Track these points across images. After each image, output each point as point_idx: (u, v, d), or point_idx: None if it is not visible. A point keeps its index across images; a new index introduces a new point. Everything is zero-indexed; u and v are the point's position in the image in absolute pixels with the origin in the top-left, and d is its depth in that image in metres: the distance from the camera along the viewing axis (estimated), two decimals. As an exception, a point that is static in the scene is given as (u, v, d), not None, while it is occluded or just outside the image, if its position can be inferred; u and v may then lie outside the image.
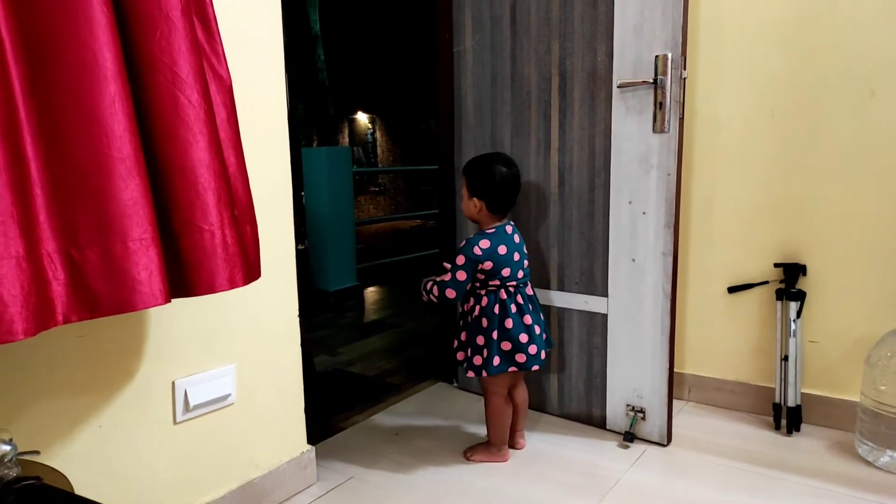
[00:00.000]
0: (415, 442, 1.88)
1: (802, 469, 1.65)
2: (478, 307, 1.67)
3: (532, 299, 1.70)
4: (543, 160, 1.93)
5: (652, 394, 1.80)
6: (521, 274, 1.67)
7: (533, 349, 1.64)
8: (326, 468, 1.71)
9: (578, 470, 1.68)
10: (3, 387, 1.03)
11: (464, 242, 1.66)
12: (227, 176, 1.04)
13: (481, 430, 1.87)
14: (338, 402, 2.22)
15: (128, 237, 0.86)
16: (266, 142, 1.45)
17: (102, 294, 0.86)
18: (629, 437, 1.81)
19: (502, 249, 1.63)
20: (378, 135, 13.79)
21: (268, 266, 1.39)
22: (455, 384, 2.33)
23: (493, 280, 1.65)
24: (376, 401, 2.21)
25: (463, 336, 1.72)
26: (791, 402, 1.86)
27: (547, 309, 1.97)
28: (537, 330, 1.67)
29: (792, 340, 1.86)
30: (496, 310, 1.64)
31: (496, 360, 1.63)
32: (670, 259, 1.71)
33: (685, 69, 1.65)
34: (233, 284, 1.01)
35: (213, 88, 1.05)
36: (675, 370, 1.94)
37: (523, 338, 1.63)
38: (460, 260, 1.64)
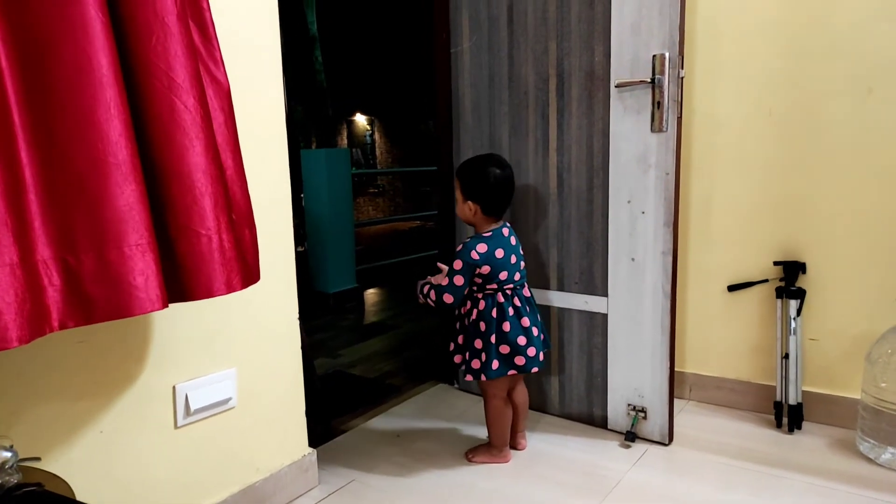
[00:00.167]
0: (416, 444, 1.88)
1: (804, 467, 1.65)
2: (475, 311, 1.66)
3: (529, 301, 1.70)
4: (542, 160, 1.93)
5: (653, 393, 1.79)
6: (517, 276, 1.67)
7: (531, 351, 1.64)
8: (328, 471, 1.71)
9: (580, 470, 1.68)
10: (2, 392, 1.03)
11: (460, 247, 1.65)
12: (224, 180, 1.04)
13: (482, 432, 1.87)
14: (338, 404, 2.22)
15: (124, 243, 0.86)
16: (265, 144, 1.45)
17: (99, 300, 0.86)
18: (630, 436, 1.81)
19: (499, 253, 1.63)
20: (377, 136, 13.78)
21: (267, 268, 1.39)
22: (455, 385, 2.33)
23: (490, 284, 1.64)
24: (377, 403, 2.21)
25: (460, 339, 1.72)
26: (792, 400, 1.86)
27: (547, 309, 1.97)
28: (535, 332, 1.66)
29: (792, 338, 1.86)
30: (494, 313, 1.63)
31: (495, 364, 1.63)
32: (670, 258, 1.71)
33: (683, 68, 1.65)
34: (230, 289, 1.01)
35: (210, 93, 1.06)
36: (676, 369, 1.94)
37: (521, 340, 1.63)
38: (457, 265, 1.62)
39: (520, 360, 1.63)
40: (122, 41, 0.91)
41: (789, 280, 1.88)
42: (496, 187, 1.64)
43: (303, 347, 1.60)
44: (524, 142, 1.97)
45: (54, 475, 0.91)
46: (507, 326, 1.62)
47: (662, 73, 1.65)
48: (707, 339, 2.09)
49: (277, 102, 1.47)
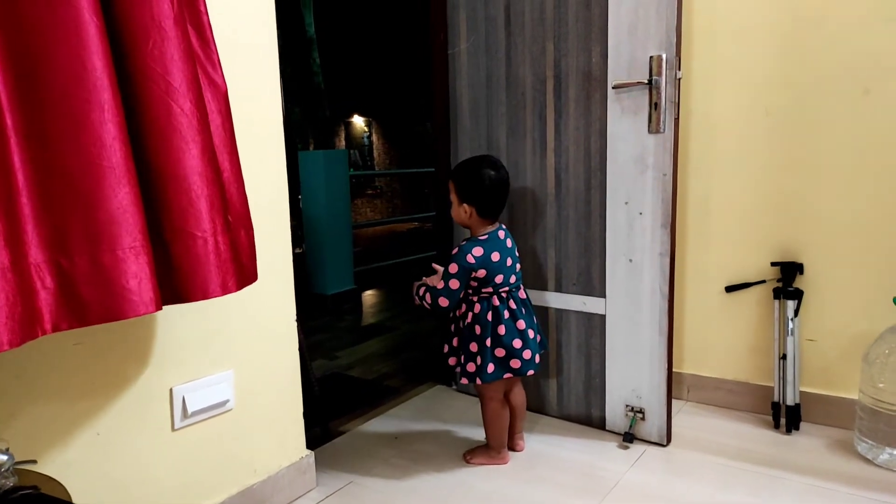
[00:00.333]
0: (414, 445, 1.87)
1: (802, 467, 1.65)
2: (470, 314, 1.66)
3: (525, 303, 1.70)
4: (539, 161, 1.93)
5: (651, 394, 1.80)
6: (513, 279, 1.66)
7: (527, 354, 1.64)
8: (326, 473, 1.70)
9: (578, 471, 1.68)
10: (-1, 395, 1.02)
11: (456, 250, 1.64)
12: (221, 182, 1.04)
13: (480, 433, 1.86)
14: (336, 406, 2.22)
15: (117, 245, 0.87)
16: (262, 146, 1.45)
17: (92, 302, 0.86)
18: (629, 437, 1.81)
19: (495, 256, 1.62)
20: (374, 138, 13.79)
21: (265, 270, 1.39)
22: (453, 387, 2.32)
23: (486, 287, 1.64)
24: (375, 405, 2.21)
25: (455, 342, 1.71)
26: (790, 401, 1.86)
27: (545, 311, 1.97)
28: (531, 334, 1.66)
29: (790, 339, 1.86)
30: (489, 317, 1.63)
31: (490, 368, 1.62)
32: (667, 259, 1.71)
33: (680, 69, 1.65)
34: (225, 290, 1.02)
35: (208, 96, 1.06)
36: (674, 370, 1.95)
37: (517, 343, 1.62)
38: (453, 268, 1.61)
39: (515, 364, 1.63)
40: (119, 45, 0.91)
41: (787, 281, 1.89)
42: (491, 189, 1.63)
43: (301, 349, 1.60)
44: (522, 143, 1.97)
45: (50, 478, 0.90)
46: (502, 330, 1.62)
47: (659, 74, 1.65)
48: (705, 340, 2.09)
49: (275, 104, 1.47)
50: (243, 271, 1.09)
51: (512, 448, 1.80)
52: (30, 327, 0.81)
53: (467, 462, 1.75)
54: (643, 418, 1.82)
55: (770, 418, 1.93)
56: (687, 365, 2.13)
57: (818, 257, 1.87)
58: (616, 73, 1.74)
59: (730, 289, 2.01)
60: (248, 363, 1.45)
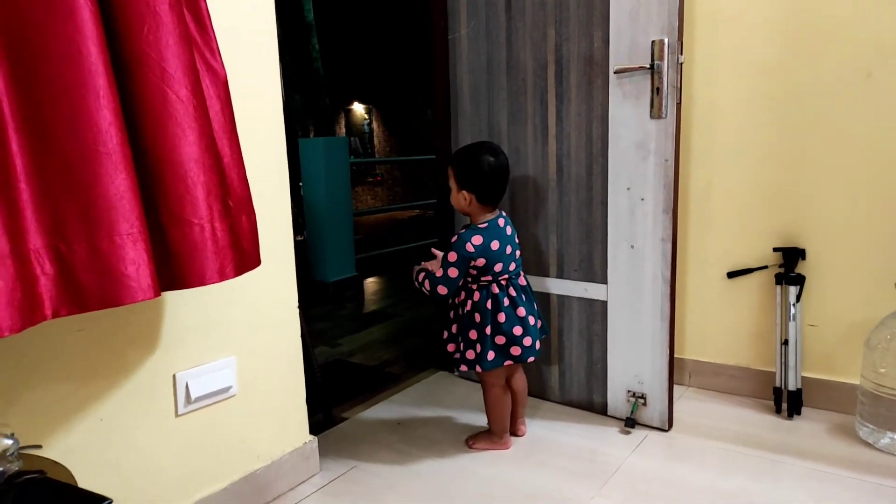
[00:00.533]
0: (417, 431, 1.88)
1: (803, 452, 1.66)
2: (469, 302, 1.65)
3: (525, 289, 1.69)
4: (541, 147, 1.92)
5: (653, 379, 1.80)
6: (513, 266, 1.66)
7: (528, 341, 1.63)
8: (329, 458, 1.71)
9: (580, 456, 1.69)
10: (2, 380, 1.03)
11: (455, 238, 1.62)
12: (220, 168, 1.04)
13: (482, 419, 1.87)
14: (339, 392, 2.23)
15: (115, 231, 0.87)
16: (263, 133, 1.44)
17: (91, 288, 0.86)
18: (630, 422, 1.82)
19: (495, 245, 1.61)
20: (375, 125, 13.73)
21: (267, 257, 1.39)
22: (455, 373, 2.33)
23: (485, 276, 1.63)
24: (377, 391, 2.22)
25: (454, 329, 1.71)
26: (791, 386, 1.86)
27: (546, 297, 1.97)
28: (532, 321, 1.65)
29: (792, 324, 1.86)
30: (489, 304, 1.62)
31: (490, 355, 1.62)
32: (669, 245, 1.71)
33: (682, 54, 1.64)
34: (223, 277, 1.02)
35: (206, 82, 1.05)
36: (676, 356, 1.95)
37: (517, 331, 1.62)
38: (452, 257, 1.60)
39: (516, 351, 1.63)
40: (115, 32, 0.90)
41: (789, 266, 1.88)
42: (491, 176, 1.61)
43: (302, 336, 1.60)
44: (523, 128, 1.96)
45: (56, 462, 0.91)
46: (502, 317, 1.62)
47: (661, 58, 1.64)
48: (706, 326, 2.10)
49: (275, 91, 1.46)
50: (244, 257, 1.09)
51: (514, 433, 1.80)
52: (30, 313, 0.81)
53: (469, 447, 1.76)
54: (645, 404, 1.83)
55: (772, 403, 1.93)
56: (689, 350, 2.14)
57: (820, 243, 1.87)
58: (618, 57, 1.72)
59: (732, 274, 2.01)
60: (251, 350, 1.45)
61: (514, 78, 1.95)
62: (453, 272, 1.61)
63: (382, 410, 2.05)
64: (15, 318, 0.78)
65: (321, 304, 3.69)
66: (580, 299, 1.91)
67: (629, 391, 1.85)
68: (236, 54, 1.35)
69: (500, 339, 1.63)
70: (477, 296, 1.64)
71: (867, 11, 1.72)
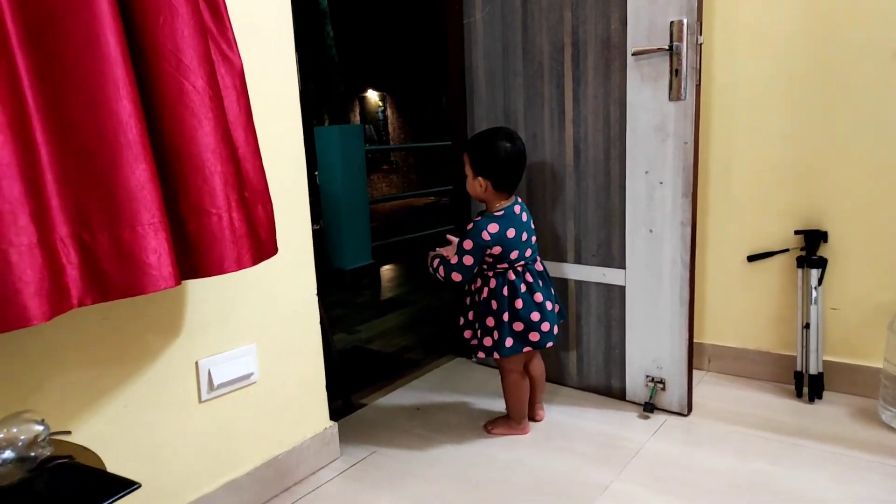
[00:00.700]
0: (435, 416, 1.90)
1: (825, 436, 1.65)
2: (486, 289, 1.65)
3: (542, 274, 1.68)
4: (558, 132, 1.91)
5: (672, 364, 1.79)
6: (529, 252, 1.65)
7: (545, 327, 1.63)
8: (349, 444, 1.73)
9: (599, 441, 1.69)
10: (29, 370, 1.05)
11: (471, 225, 1.62)
12: (236, 158, 1.04)
13: (500, 404, 1.88)
14: (358, 379, 2.24)
15: (136, 222, 0.88)
16: (280, 123, 1.44)
17: (114, 277, 0.88)
18: (649, 407, 1.81)
19: (511, 233, 1.60)
20: (389, 112, 13.70)
21: (284, 246, 1.40)
22: (473, 359, 2.34)
23: (501, 263, 1.62)
24: (396, 377, 2.24)
25: (470, 315, 1.71)
26: (813, 370, 1.85)
27: (564, 282, 1.97)
28: (549, 306, 1.65)
29: (813, 308, 1.84)
30: (505, 291, 1.62)
31: (509, 342, 1.62)
32: (688, 229, 1.69)
33: (701, 35, 1.61)
34: (241, 265, 1.03)
35: (222, 72, 1.06)
36: (695, 340, 1.94)
37: (535, 316, 1.62)
38: (467, 244, 1.59)
39: (534, 337, 1.63)
40: (130, 22, 0.91)
41: (810, 249, 1.86)
42: (507, 162, 1.60)
43: (321, 323, 1.62)
44: (539, 113, 1.94)
45: (85, 448, 0.93)
46: (519, 303, 1.61)
47: (680, 39, 1.61)
48: (726, 310, 2.08)
49: (291, 80, 1.46)
50: (261, 246, 1.10)
51: (532, 418, 1.81)
52: (58, 302, 0.83)
53: (488, 432, 1.77)
54: (664, 388, 1.82)
55: (792, 388, 1.91)
56: (708, 335, 2.12)
57: (843, 225, 1.84)
58: (636, 39, 1.70)
59: (752, 258, 1.99)
60: (271, 337, 1.47)
61: (530, 62, 1.94)
62: (468, 260, 1.60)
63: (401, 396, 2.07)
64: (45, 307, 0.80)
65: (339, 291, 3.71)
66: (598, 284, 1.90)
67: (648, 376, 1.85)
68: (252, 44, 1.35)
69: (518, 326, 1.63)
70: (493, 283, 1.64)
71: (892, -13, 1.67)
